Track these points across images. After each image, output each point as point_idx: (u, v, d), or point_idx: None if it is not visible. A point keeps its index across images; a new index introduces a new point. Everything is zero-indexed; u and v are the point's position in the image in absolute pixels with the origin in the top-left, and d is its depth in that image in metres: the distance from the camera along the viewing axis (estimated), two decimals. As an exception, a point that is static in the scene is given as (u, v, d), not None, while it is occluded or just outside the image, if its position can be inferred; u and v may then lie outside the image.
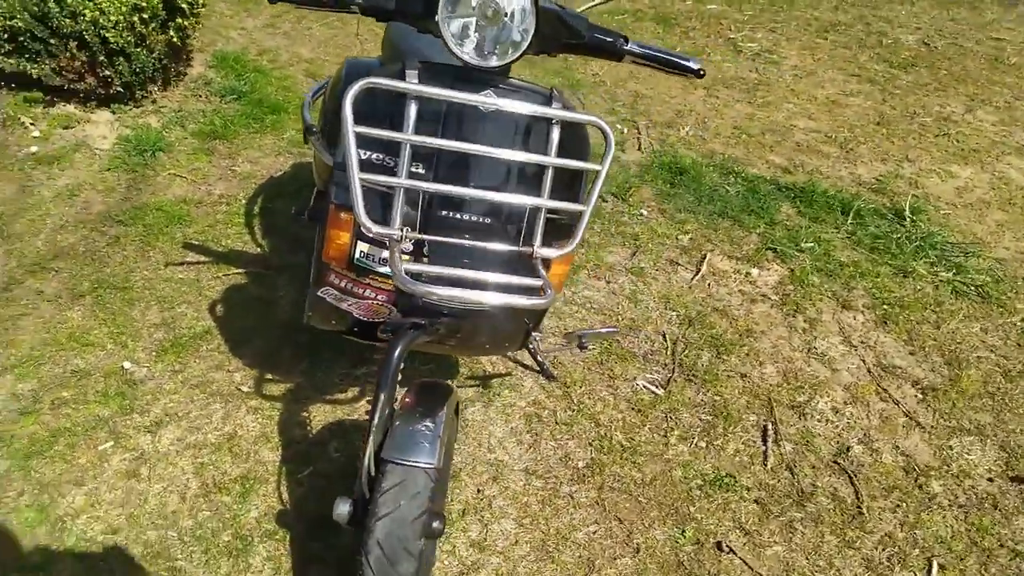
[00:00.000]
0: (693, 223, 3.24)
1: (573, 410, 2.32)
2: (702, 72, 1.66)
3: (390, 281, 1.72)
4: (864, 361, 2.62)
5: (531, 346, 2.13)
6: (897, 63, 4.89)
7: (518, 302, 1.45)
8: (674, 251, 3.08)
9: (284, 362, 2.38)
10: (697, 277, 2.93)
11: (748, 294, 2.87)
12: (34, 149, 3.34)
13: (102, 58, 3.35)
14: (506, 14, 1.48)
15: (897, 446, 2.32)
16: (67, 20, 3.24)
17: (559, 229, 1.72)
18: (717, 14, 5.52)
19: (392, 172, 1.57)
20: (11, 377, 2.26)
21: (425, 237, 1.60)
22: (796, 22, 5.42)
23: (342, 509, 1.52)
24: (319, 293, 1.81)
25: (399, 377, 1.54)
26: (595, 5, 5.55)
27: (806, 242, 3.14)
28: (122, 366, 2.32)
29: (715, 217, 3.27)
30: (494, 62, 1.50)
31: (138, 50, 3.43)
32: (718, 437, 2.29)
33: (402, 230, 1.56)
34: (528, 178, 1.61)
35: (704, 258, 3.03)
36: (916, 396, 2.50)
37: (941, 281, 3.00)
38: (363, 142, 1.61)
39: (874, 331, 2.75)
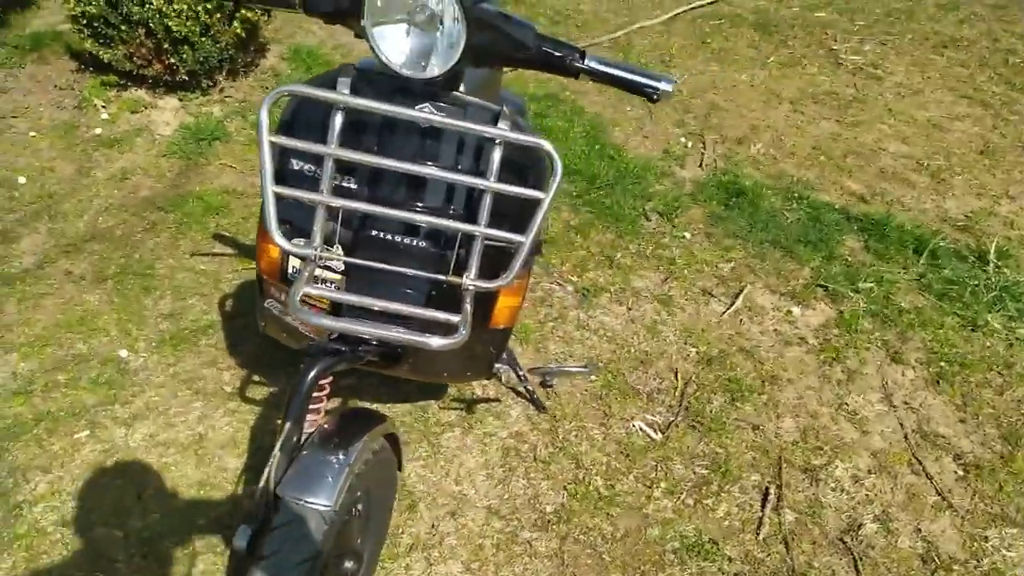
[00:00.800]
0: (739, 251, 3.00)
1: (555, 447, 2.18)
2: (656, 97, 1.46)
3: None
4: (903, 425, 2.33)
5: (500, 376, 2.00)
6: (1020, 85, 4.38)
7: (418, 340, 1.34)
8: (711, 280, 2.85)
9: (274, 364, 2.35)
10: (730, 311, 2.70)
11: (783, 335, 2.62)
12: (99, 131, 3.48)
13: (167, 46, 3.45)
14: (441, 20, 1.36)
15: (919, 529, 2.05)
16: (136, 7, 3.35)
17: (509, 259, 1.58)
18: (824, 23, 5.13)
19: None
20: (16, 356, 2.34)
21: (344, 259, 1.51)
22: (912, 35, 4.96)
23: (240, 541, 1.44)
24: (265, 304, 1.75)
25: (311, 405, 1.46)
26: (693, 7, 5.29)
27: (865, 281, 2.84)
28: (118, 354, 2.36)
29: (766, 246, 3.02)
30: (426, 73, 1.38)
31: (203, 39, 3.50)
32: (710, 495, 2.09)
33: (316, 249, 1.47)
34: (476, 201, 1.46)
35: (742, 291, 2.79)
36: (956, 472, 2.20)
37: (1017, 339, 2.63)
38: (298, 153, 1.54)
39: (923, 391, 2.45)
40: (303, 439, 1.50)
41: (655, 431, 2.25)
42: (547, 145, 1.41)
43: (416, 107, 1.46)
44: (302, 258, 1.42)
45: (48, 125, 3.52)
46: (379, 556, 1.80)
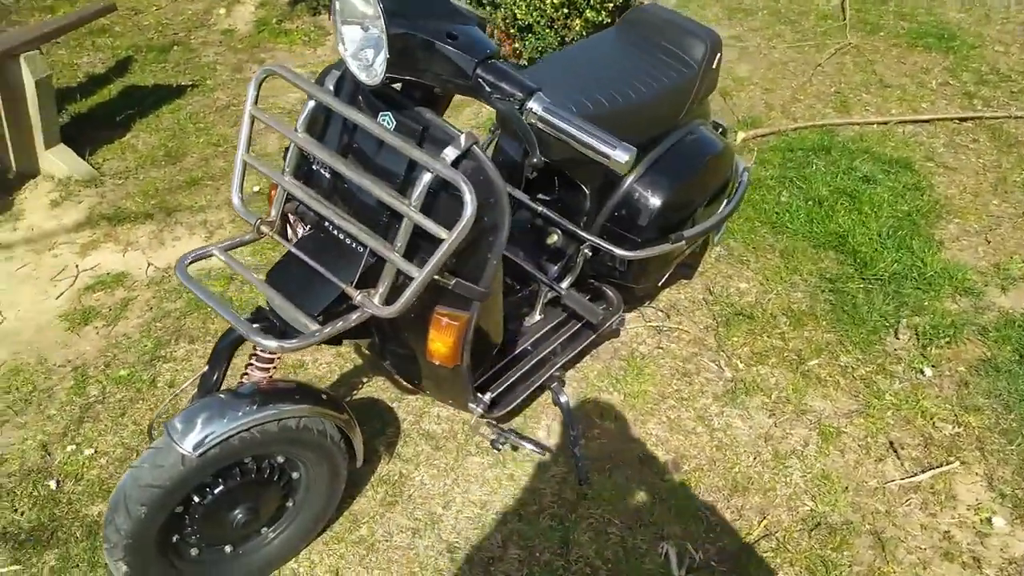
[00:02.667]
0: (984, 419, 2.19)
1: (561, 525, 1.93)
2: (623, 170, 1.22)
3: None
4: None
5: (475, 423, 1.83)
6: None
7: (249, 332, 1.37)
8: (913, 436, 2.15)
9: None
10: (905, 481, 2.03)
11: (950, 540, 1.88)
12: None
13: (513, 31, 3.73)
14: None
15: None
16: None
17: (440, 290, 1.47)
18: None
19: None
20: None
21: (276, 238, 1.56)
22: None
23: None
24: None
25: (259, 364, 1.59)
26: (972, 117, 3.83)
27: None
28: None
29: (1033, 428, 2.16)
30: (369, 78, 1.34)
31: (547, 30, 3.71)
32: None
33: (261, 223, 1.55)
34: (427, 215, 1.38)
35: (944, 466, 2.06)
36: None
37: None
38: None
39: None
40: (220, 387, 1.62)
41: (680, 566, 1.85)
42: (460, 180, 1.28)
43: (379, 115, 1.43)
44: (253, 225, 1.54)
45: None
46: (311, 530, 1.84)
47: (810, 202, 3.08)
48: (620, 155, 1.22)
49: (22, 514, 1.91)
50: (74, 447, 2.08)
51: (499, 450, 1.78)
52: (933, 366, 2.37)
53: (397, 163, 1.43)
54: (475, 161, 1.38)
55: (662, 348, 2.45)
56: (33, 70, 2.92)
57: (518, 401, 1.90)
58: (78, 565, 1.80)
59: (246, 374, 1.64)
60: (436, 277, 1.47)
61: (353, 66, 1.36)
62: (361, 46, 1.33)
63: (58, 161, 3.13)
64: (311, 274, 1.50)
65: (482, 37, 1.31)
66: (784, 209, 3.05)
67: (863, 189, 3.12)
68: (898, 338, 2.48)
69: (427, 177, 1.33)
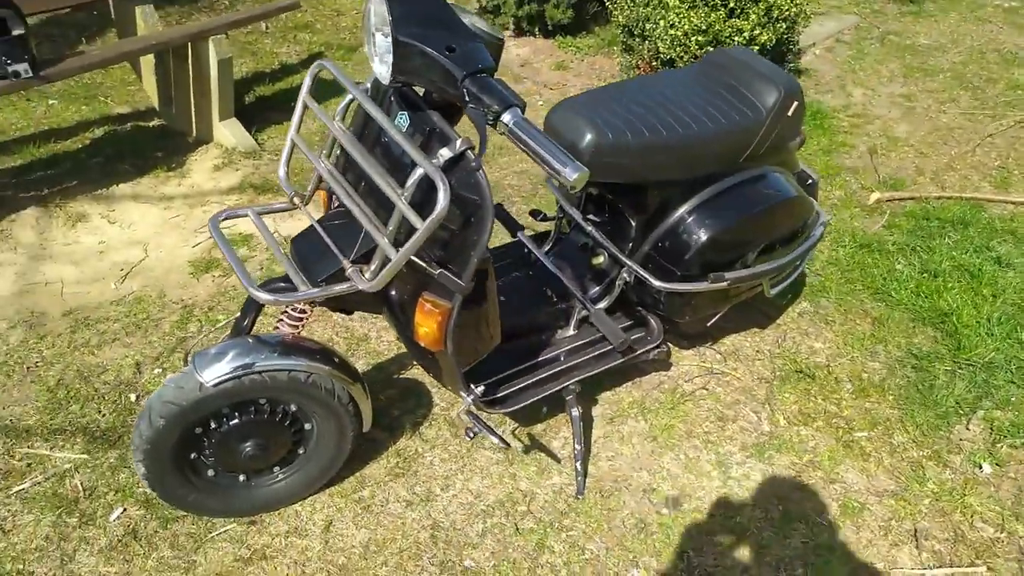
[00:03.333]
0: (1040, 531, 1.98)
1: (535, 528, 1.99)
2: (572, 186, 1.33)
3: None
4: None
5: (463, 422, 1.91)
6: None
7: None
8: (946, 530, 1.99)
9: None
10: (920, 572, 1.89)
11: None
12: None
13: (655, 63, 3.80)
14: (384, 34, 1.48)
15: None
16: (650, 26, 3.77)
17: (427, 278, 1.61)
18: None
19: None
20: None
21: (303, 210, 1.76)
22: None
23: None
24: None
25: (289, 321, 1.81)
26: None
27: None
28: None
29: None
30: (383, 79, 1.52)
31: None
32: None
33: (295, 196, 1.77)
34: (416, 206, 1.53)
35: (973, 566, 1.89)
36: None
37: None
38: None
39: None
40: (250, 331, 1.86)
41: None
42: (439, 180, 1.42)
43: (398, 114, 1.60)
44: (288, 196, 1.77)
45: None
46: (317, 479, 2.03)
47: (925, 274, 2.90)
48: (569, 172, 1.30)
49: (103, 416, 2.26)
50: (160, 371, 2.43)
51: (471, 437, 1.87)
52: (997, 464, 2.17)
53: (405, 157, 1.59)
54: (466, 164, 1.51)
55: (707, 389, 2.43)
56: (218, 51, 3.39)
57: (525, 404, 1.99)
58: (129, 466, 2.11)
59: (276, 327, 1.86)
60: (423, 264, 1.61)
61: (375, 67, 1.55)
62: (383, 51, 1.51)
63: (228, 132, 3.60)
64: (324, 246, 1.69)
65: (480, 53, 1.44)
66: (893, 277, 2.89)
67: (989, 270, 2.88)
68: (968, 429, 2.29)
69: (419, 172, 1.48)
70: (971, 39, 4.97)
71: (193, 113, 3.61)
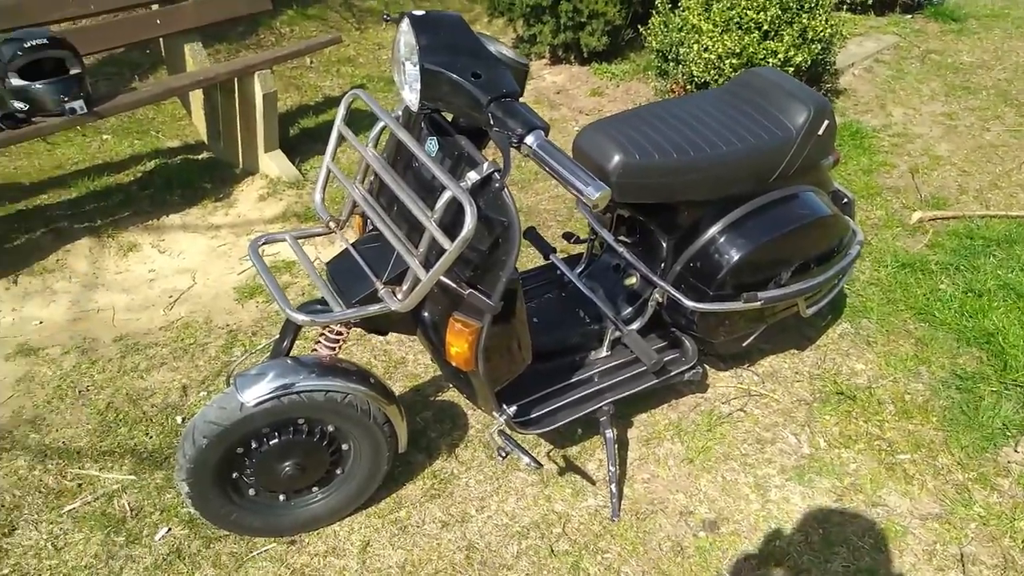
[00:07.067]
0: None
1: (569, 550, 1.98)
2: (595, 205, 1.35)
3: None
4: None
5: (496, 443, 1.92)
6: None
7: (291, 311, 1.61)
8: (990, 549, 1.94)
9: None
10: (962, 601, 1.84)
11: None
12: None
13: (688, 87, 3.81)
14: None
15: None
16: (683, 50, 3.80)
17: (458, 298, 1.64)
18: None
19: None
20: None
21: (338, 234, 1.81)
22: None
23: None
24: None
25: (326, 343, 1.84)
26: None
27: None
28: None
29: None
30: (412, 105, 1.57)
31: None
32: None
33: (331, 220, 1.83)
34: (446, 228, 1.57)
35: (1018, 595, 1.83)
36: None
37: None
38: None
39: None
40: (289, 353, 1.91)
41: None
42: (466, 203, 1.45)
43: (428, 139, 1.65)
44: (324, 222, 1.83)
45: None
46: (355, 500, 2.06)
47: (969, 293, 2.84)
48: (591, 192, 1.33)
49: (150, 438, 2.33)
50: (205, 393, 2.49)
51: (503, 458, 1.88)
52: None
53: (434, 181, 1.64)
54: (493, 187, 1.54)
55: (745, 411, 2.41)
56: (263, 85, 3.51)
57: (558, 425, 2.00)
58: (174, 487, 2.17)
59: (314, 349, 1.91)
60: (453, 285, 1.64)
61: (404, 94, 1.60)
62: (412, 79, 1.56)
63: (272, 163, 3.71)
64: (358, 268, 1.74)
65: (504, 79, 1.48)
66: (937, 296, 2.84)
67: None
68: (1017, 451, 2.23)
69: (448, 195, 1.52)
70: (1016, 56, 4.90)
71: (240, 145, 3.73)
